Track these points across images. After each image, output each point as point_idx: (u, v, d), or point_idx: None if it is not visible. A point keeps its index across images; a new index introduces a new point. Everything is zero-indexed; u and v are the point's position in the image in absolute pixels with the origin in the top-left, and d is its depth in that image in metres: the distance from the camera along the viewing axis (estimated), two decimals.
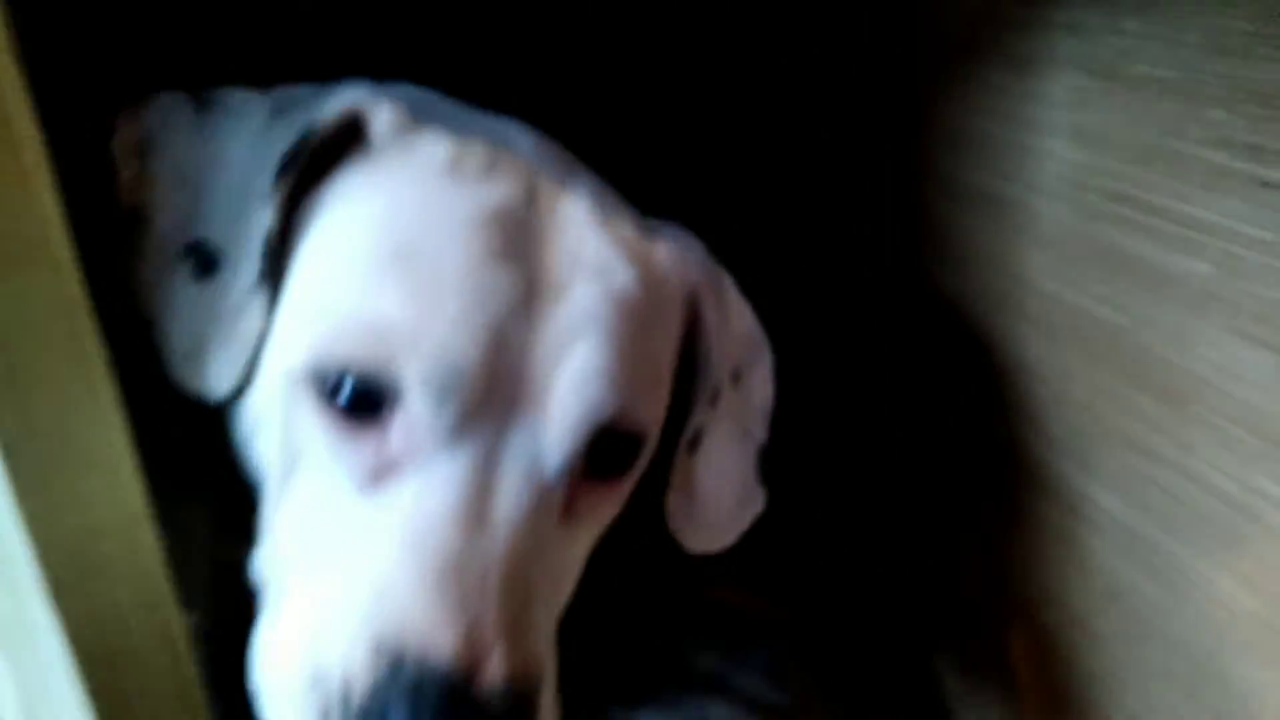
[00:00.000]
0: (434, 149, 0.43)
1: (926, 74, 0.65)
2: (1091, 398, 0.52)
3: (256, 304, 0.42)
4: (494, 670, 0.38)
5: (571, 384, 0.41)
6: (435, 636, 0.37)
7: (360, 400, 0.40)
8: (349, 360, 0.40)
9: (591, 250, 0.43)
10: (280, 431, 0.42)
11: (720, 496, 0.52)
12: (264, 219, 0.41)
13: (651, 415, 0.46)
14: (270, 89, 0.46)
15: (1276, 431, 0.40)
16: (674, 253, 0.48)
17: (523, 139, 0.47)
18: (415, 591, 0.38)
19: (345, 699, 0.38)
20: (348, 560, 0.40)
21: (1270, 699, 0.43)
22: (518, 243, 0.42)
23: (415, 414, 0.39)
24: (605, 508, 0.47)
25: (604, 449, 0.43)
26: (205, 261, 0.42)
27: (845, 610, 0.79)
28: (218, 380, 0.42)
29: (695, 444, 0.51)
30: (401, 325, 0.39)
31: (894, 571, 0.77)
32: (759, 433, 0.54)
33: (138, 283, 0.43)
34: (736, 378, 0.53)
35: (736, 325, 0.52)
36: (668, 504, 0.51)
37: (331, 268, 0.42)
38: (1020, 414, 0.58)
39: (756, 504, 0.54)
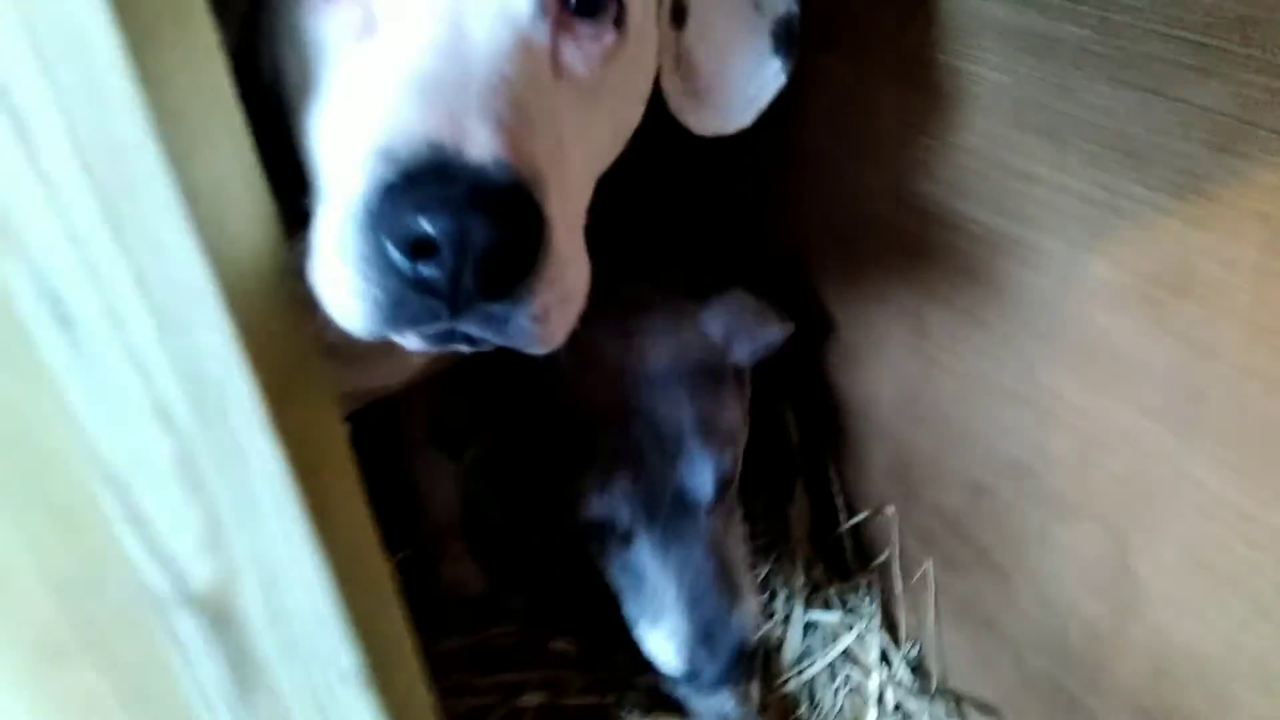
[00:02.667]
0: None
1: None
2: (978, 142, 0.68)
3: None
4: (481, 145, 0.41)
5: None
6: (420, 128, 0.41)
7: None
8: None
9: None
10: (283, 41, 0.47)
11: (723, 74, 0.56)
12: None
13: None
14: None
15: (1140, 149, 0.58)
16: None
17: None
18: (399, 107, 0.42)
19: (353, 213, 0.41)
20: (349, 118, 0.45)
21: (1130, 342, 0.63)
22: None
23: None
24: (609, 72, 0.50)
25: None
26: None
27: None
28: None
29: (680, 16, 0.55)
30: None
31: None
32: (778, 3, 0.57)
33: None
34: None
35: None
36: (664, 86, 0.55)
37: None
38: (912, 163, 0.73)
39: (773, 80, 0.57)
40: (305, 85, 0.47)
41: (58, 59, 0.30)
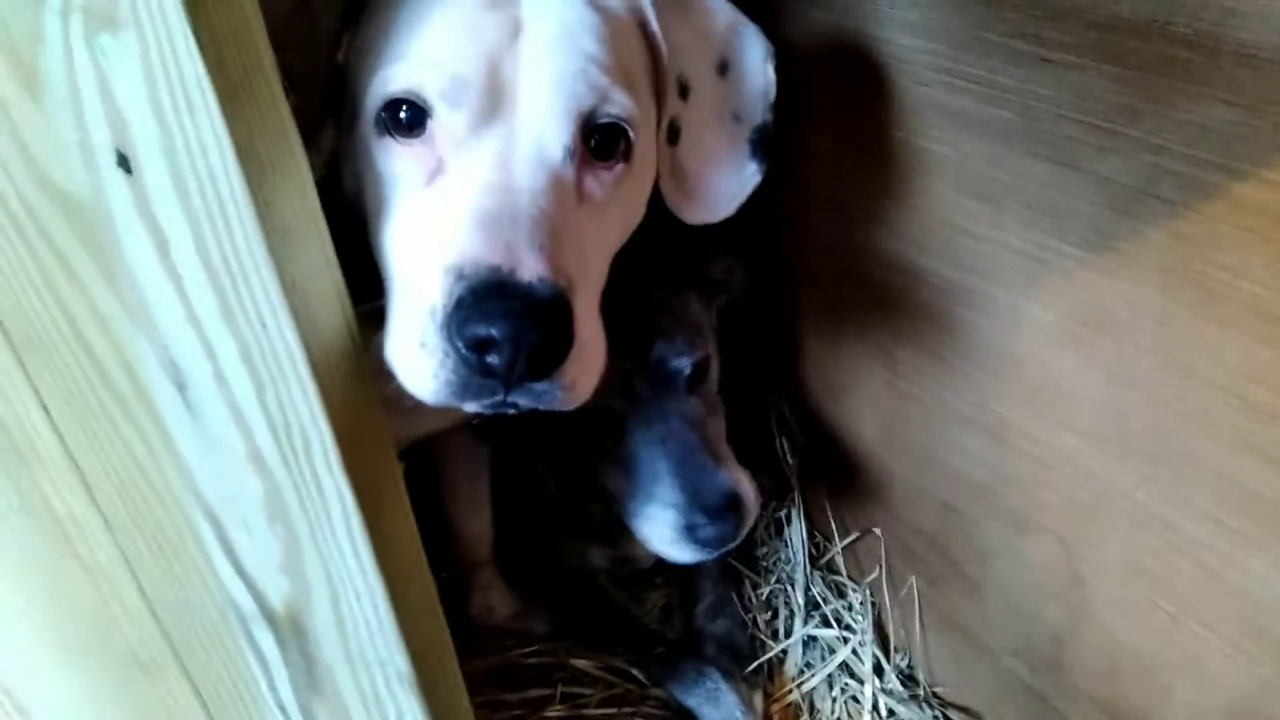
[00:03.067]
0: None
1: None
2: (931, 204, 0.78)
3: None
4: (529, 268, 0.53)
5: (553, 87, 0.58)
6: (484, 254, 0.53)
7: (411, 121, 0.58)
8: (397, 94, 0.58)
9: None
10: (367, 172, 0.60)
11: (708, 176, 0.69)
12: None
13: (628, 107, 0.60)
14: None
15: (1059, 211, 0.68)
16: None
17: None
18: (467, 236, 0.54)
19: (433, 316, 0.54)
20: (423, 239, 0.57)
21: (1065, 375, 0.73)
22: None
23: (442, 119, 0.57)
24: (618, 192, 0.62)
25: (598, 138, 0.60)
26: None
27: None
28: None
29: (674, 135, 0.67)
30: (425, 61, 0.57)
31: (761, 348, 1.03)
32: (755, 115, 0.70)
33: None
34: (723, 69, 0.68)
35: (702, 23, 0.68)
36: (662, 188, 0.68)
37: (377, 47, 0.59)
38: (880, 223, 0.84)
39: (751, 179, 0.70)
40: (382, 208, 0.60)
41: (194, 189, 0.41)
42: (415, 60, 0.58)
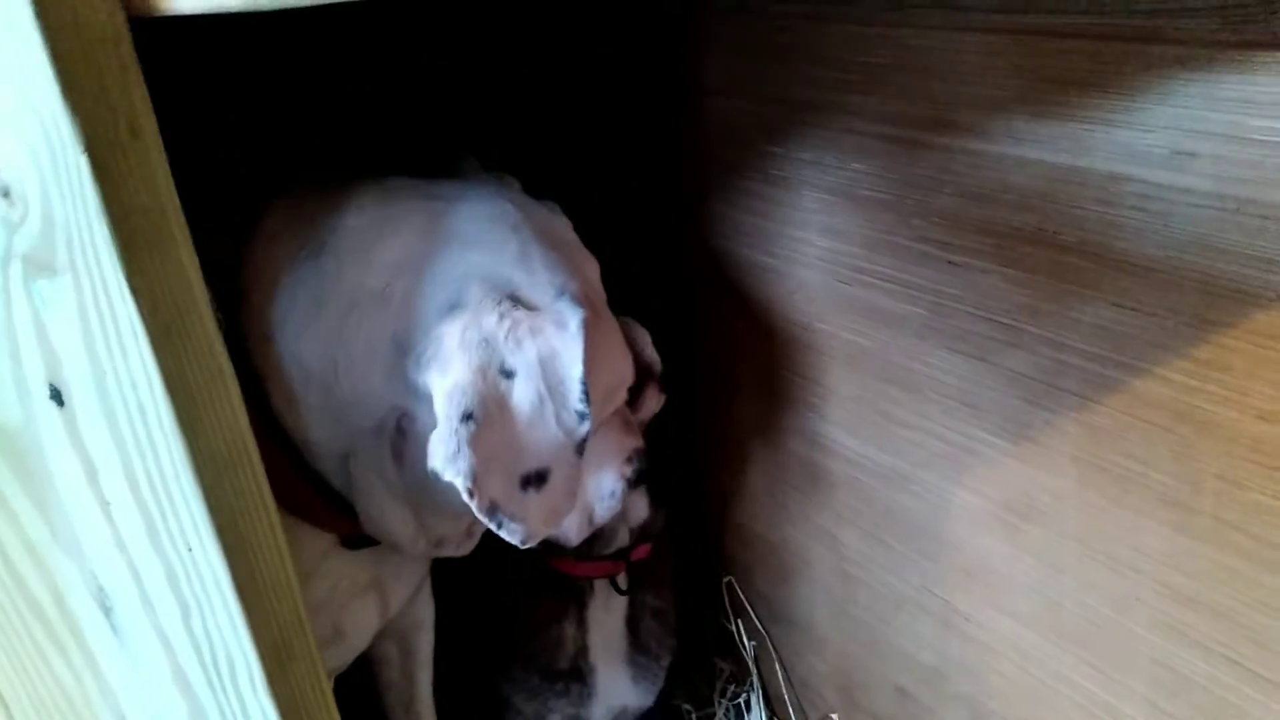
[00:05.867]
0: None
1: (699, 183, 0.92)
2: (860, 392, 0.81)
3: None
4: None
5: None
6: None
7: None
8: None
9: None
10: None
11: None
12: None
13: None
14: None
15: (977, 402, 0.71)
16: None
17: None
18: None
19: None
20: None
21: (999, 560, 0.74)
22: None
23: None
24: None
25: None
26: None
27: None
28: None
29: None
30: None
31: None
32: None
33: None
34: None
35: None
36: None
37: None
38: (815, 409, 0.87)
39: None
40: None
41: (123, 420, 0.42)
42: None
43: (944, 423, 0.74)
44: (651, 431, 0.92)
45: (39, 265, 0.40)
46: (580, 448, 0.59)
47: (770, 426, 0.95)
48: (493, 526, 0.57)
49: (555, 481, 0.58)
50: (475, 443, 0.54)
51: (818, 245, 0.80)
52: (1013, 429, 0.69)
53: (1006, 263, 0.66)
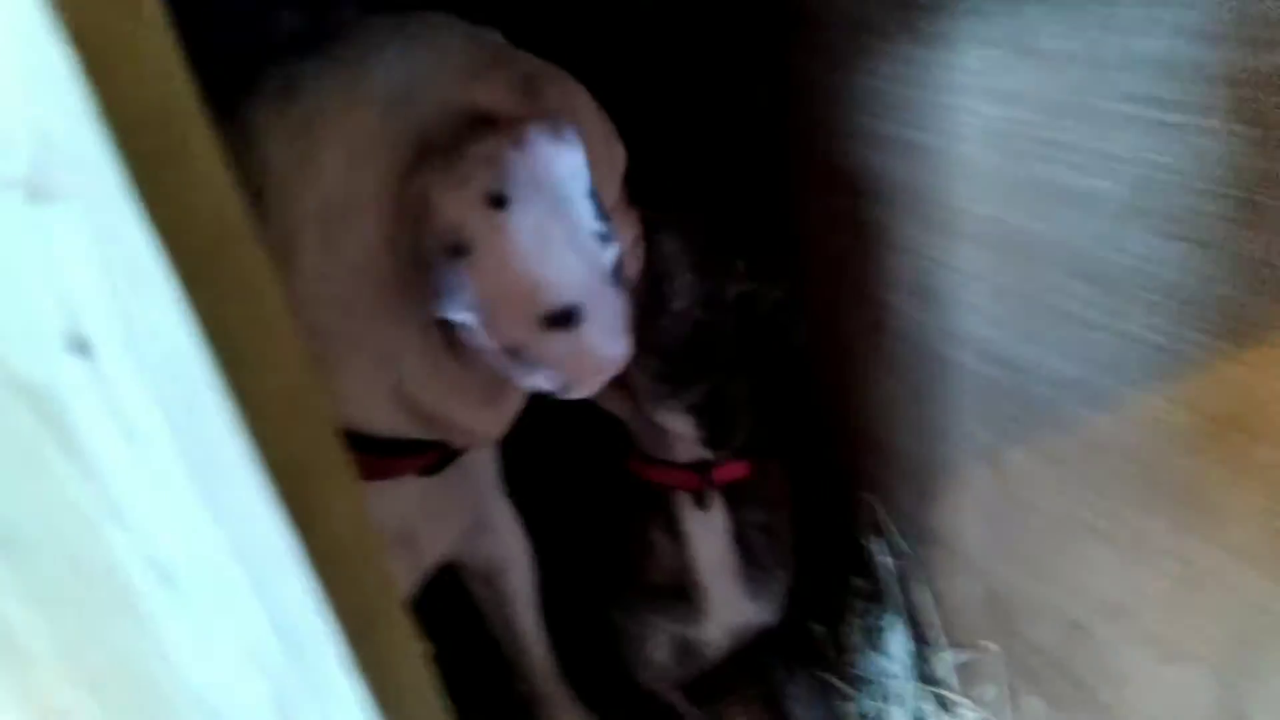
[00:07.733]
0: None
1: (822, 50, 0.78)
2: (1027, 287, 0.69)
3: None
4: None
5: None
6: None
7: None
8: None
9: None
10: None
11: None
12: None
13: None
14: None
15: (1196, 294, 0.58)
16: None
17: None
18: None
19: None
20: None
21: (1206, 480, 0.62)
22: None
23: None
24: None
25: None
26: None
27: None
28: None
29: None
30: None
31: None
32: None
33: None
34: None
35: None
36: None
37: None
38: (978, 311, 0.75)
39: None
40: None
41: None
42: None
43: (1147, 322, 0.61)
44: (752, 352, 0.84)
45: (35, 190, 0.32)
46: (614, 275, 0.51)
47: (917, 332, 0.83)
48: (521, 377, 0.51)
49: (591, 318, 0.50)
50: (475, 275, 0.47)
51: (983, 114, 0.67)
52: (1241, 330, 0.56)
53: (1244, 119, 0.51)
